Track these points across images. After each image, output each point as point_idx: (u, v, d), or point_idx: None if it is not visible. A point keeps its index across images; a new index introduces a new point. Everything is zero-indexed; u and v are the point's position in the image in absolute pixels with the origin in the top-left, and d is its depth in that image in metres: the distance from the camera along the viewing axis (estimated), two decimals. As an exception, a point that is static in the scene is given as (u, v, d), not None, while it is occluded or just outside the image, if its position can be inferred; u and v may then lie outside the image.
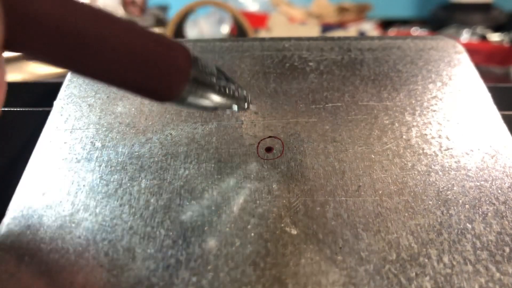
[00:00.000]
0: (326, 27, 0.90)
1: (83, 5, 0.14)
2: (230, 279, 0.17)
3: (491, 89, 0.27)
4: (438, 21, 1.04)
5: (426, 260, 0.18)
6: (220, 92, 0.18)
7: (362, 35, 0.86)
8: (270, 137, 0.23)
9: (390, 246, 0.18)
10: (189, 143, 0.23)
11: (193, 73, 0.17)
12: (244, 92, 0.20)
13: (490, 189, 0.21)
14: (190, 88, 0.17)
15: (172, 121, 0.24)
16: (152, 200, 0.20)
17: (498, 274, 0.17)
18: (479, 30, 0.87)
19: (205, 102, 0.18)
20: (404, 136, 0.24)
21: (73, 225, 0.19)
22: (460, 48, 0.30)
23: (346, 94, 0.26)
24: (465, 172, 0.22)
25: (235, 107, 0.20)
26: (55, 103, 0.25)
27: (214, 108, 0.19)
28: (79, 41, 0.13)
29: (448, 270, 0.18)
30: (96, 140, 0.23)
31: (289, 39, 0.31)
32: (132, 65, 0.15)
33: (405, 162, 0.22)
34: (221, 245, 0.18)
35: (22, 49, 0.13)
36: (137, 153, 0.22)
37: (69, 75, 0.27)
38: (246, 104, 0.20)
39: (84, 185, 0.21)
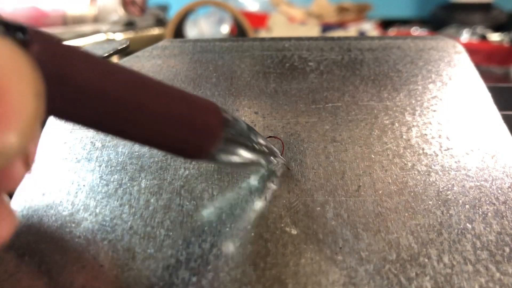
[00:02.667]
0: (326, 27, 0.90)
1: (122, 72, 0.14)
2: (230, 279, 0.17)
3: (491, 89, 0.27)
4: (438, 21, 1.04)
5: (426, 260, 0.18)
6: (250, 149, 0.19)
7: (362, 35, 0.86)
8: (270, 137, 0.23)
9: (390, 246, 0.18)
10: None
11: (224, 134, 0.17)
12: (273, 148, 0.21)
13: (490, 189, 0.21)
14: (221, 148, 0.17)
15: (172, 121, 0.24)
16: (152, 200, 0.20)
17: (498, 274, 0.17)
18: (479, 30, 0.87)
19: (234, 159, 0.18)
20: (404, 136, 0.24)
21: (73, 225, 0.19)
22: (460, 48, 0.30)
23: (346, 94, 0.26)
24: (465, 172, 0.22)
25: (262, 161, 0.20)
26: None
27: (244, 165, 0.20)
28: (119, 110, 0.14)
29: (448, 270, 0.18)
30: (96, 140, 0.23)
31: (289, 39, 0.31)
32: (167, 129, 0.15)
33: (405, 162, 0.22)
34: (221, 245, 0.18)
35: (60, 116, 0.13)
36: (137, 153, 0.22)
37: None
38: (275, 158, 0.21)
39: (84, 185, 0.21)
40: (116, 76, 0.14)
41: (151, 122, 0.15)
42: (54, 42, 0.12)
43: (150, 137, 0.15)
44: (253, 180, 0.21)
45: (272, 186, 0.21)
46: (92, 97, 0.13)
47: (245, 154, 0.19)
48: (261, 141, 0.20)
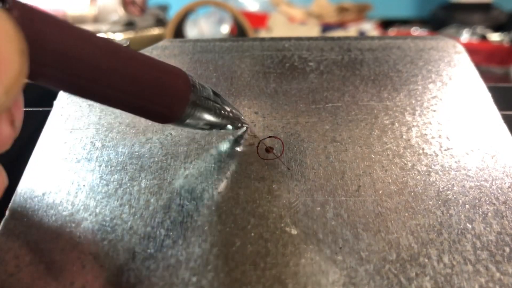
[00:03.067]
0: (326, 27, 0.90)
1: (97, 39, 0.15)
2: (230, 279, 0.17)
3: (491, 89, 0.27)
4: (438, 21, 1.04)
5: (426, 260, 0.18)
6: (216, 113, 0.20)
7: (362, 35, 0.86)
8: (270, 137, 0.23)
9: (390, 246, 0.18)
10: (189, 143, 0.23)
11: (192, 97, 0.18)
12: (238, 113, 0.22)
13: (490, 189, 0.21)
14: (190, 111, 0.19)
15: (172, 121, 0.24)
16: (152, 200, 0.20)
17: (498, 274, 0.17)
18: (479, 30, 0.87)
19: (202, 123, 0.20)
20: (404, 136, 0.24)
21: (73, 225, 0.19)
22: (460, 48, 0.30)
23: (346, 94, 0.26)
24: (465, 172, 0.22)
25: (229, 127, 0.22)
26: (55, 103, 0.25)
27: (210, 128, 0.21)
28: (93, 74, 0.15)
29: (448, 270, 0.18)
30: (96, 140, 0.23)
31: (289, 39, 0.31)
32: (139, 92, 0.16)
33: (405, 162, 0.22)
34: (221, 245, 0.18)
35: (39, 78, 0.14)
36: (137, 153, 0.22)
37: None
38: (240, 123, 0.23)
39: (84, 185, 0.21)
40: (91, 42, 0.14)
41: (123, 85, 0.16)
42: (31, 9, 0.13)
43: (123, 100, 0.16)
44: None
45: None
46: (67, 60, 0.14)
47: (211, 118, 0.20)
48: (227, 107, 0.21)
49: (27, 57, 0.13)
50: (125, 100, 0.16)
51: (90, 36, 0.15)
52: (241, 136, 0.23)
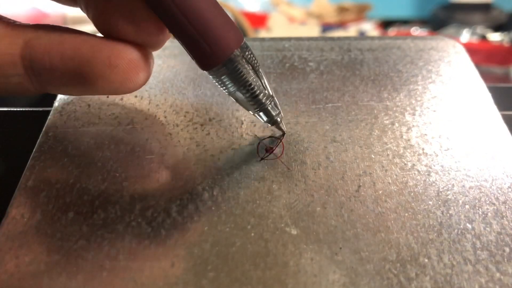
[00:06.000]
0: (326, 27, 0.90)
1: None
2: (230, 279, 0.17)
3: (491, 89, 0.27)
4: (438, 21, 1.04)
5: (426, 260, 0.18)
6: (258, 77, 0.21)
7: (362, 35, 0.86)
8: (270, 137, 0.23)
9: (390, 246, 0.18)
10: (189, 143, 0.23)
11: (243, 47, 0.20)
12: (277, 105, 0.22)
13: (490, 189, 0.21)
14: (238, 58, 0.19)
15: (172, 121, 0.24)
16: (152, 201, 0.20)
17: (498, 274, 0.17)
18: (479, 30, 0.87)
19: (244, 79, 0.20)
20: (404, 136, 0.24)
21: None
22: (460, 48, 0.30)
23: (346, 94, 0.26)
24: (465, 172, 0.22)
25: (262, 114, 0.22)
26: (55, 103, 0.25)
27: (247, 92, 0.21)
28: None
29: (448, 270, 0.18)
30: (96, 140, 0.23)
31: (289, 39, 0.31)
32: (197, 26, 0.18)
33: (405, 162, 0.22)
34: (221, 245, 0.18)
35: None
36: (137, 153, 0.22)
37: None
38: (275, 115, 0.22)
39: (84, 185, 0.21)
40: None
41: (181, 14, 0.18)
42: None
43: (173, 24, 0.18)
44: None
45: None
46: None
47: (251, 78, 0.20)
48: (269, 87, 0.21)
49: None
50: (182, 25, 0.18)
51: None
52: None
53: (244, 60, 0.20)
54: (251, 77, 0.20)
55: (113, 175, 0.21)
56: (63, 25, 0.19)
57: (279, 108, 0.22)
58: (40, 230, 0.19)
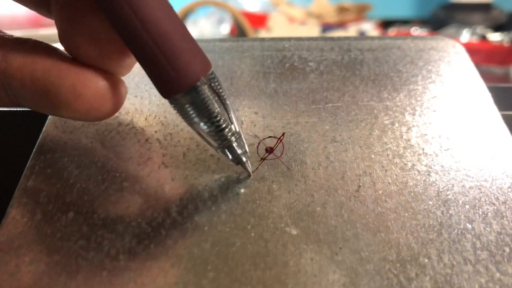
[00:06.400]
0: (326, 27, 0.90)
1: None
2: (230, 279, 0.17)
3: (491, 89, 0.27)
4: (438, 21, 1.04)
5: (426, 260, 0.18)
6: (223, 109, 0.19)
7: (362, 35, 0.86)
8: (270, 137, 0.23)
9: (390, 246, 0.18)
10: (189, 143, 0.23)
11: (209, 74, 0.18)
12: (244, 143, 0.20)
13: (490, 189, 0.21)
14: (202, 87, 0.18)
15: (172, 121, 0.24)
16: (152, 201, 0.20)
17: (498, 274, 0.17)
18: (479, 30, 0.87)
19: (209, 109, 0.19)
20: (404, 136, 0.24)
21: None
22: (460, 48, 0.30)
23: (346, 94, 0.26)
24: (465, 172, 0.22)
25: (228, 135, 0.20)
26: (55, 103, 0.25)
27: (206, 123, 0.19)
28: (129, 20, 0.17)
29: (448, 270, 0.18)
30: (96, 140, 0.23)
31: (289, 39, 0.31)
32: (165, 35, 0.17)
33: (405, 162, 0.22)
34: (221, 245, 0.18)
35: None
36: (137, 153, 0.22)
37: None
38: (234, 157, 0.20)
39: (84, 185, 0.21)
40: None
41: (147, 36, 0.17)
42: None
43: (137, 46, 0.17)
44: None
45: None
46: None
47: (216, 110, 0.19)
48: (236, 122, 0.20)
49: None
50: (146, 46, 0.17)
51: None
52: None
53: (210, 90, 0.18)
54: (216, 108, 0.19)
55: (113, 175, 0.21)
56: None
57: (246, 147, 0.21)
58: (40, 230, 0.19)
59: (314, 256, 0.18)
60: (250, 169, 0.21)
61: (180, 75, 0.18)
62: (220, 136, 0.19)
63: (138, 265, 0.18)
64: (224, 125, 0.19)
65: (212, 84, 0.18)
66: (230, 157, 0.20)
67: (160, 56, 0.17)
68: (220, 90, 0.19)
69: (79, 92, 0.18)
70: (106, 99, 0.19)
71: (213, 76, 0.19)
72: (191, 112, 0.19)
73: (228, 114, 0.19)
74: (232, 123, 0.19)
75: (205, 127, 0.19)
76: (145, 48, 0.17)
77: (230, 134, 0.19)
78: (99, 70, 0.19)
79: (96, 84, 0.18)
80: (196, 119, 0.19)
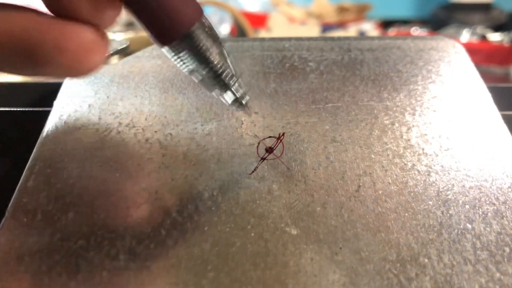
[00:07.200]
0: (326, 27, 0.90)
1: None
2: (230, 279, 0.17)
3: (491, 89, 0.27)
4: (438, 21, 1.04)
5: (426, 260, 0.18)
6: (219, 52, 0.19)
7: (362, 35, 0.86)
8: (270, 137, 0.23)
9: (390, 246, 0.18)
10: (189, 143, 0.23)
11: (203, 18, 0.18)
12: (238, 84, 0.20)
13: (490, 189, 0.21)
14: (196, 29, 0.18)
15: (172, 121, 0.24)
16: (152, 200, 0.20)
17: (498, 274, 0.17)
18: (479, 30, 0.87)
19: (203, 55, 0.19)
20: (404, 136, 0.24)
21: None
22: (460, 48, 0.30)
23: (346, 94, 0.26)
24: (465, 172, 0.22)
25: (227, 74, 0.20)
26: (55, 103, 0.25)
27: (203, 68, 0.19)
28: None
29: (448, 270, 0.18)
30: (96, 140, 0.23)
31: (289, 39, 0.31)
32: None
33: (405, 162, 0.22)
34: (221, 245, 0.18)
35: None
36: (137, 153, 0.22)
37: (69, 75, 0.27)
38: (233, 94, 0.20)
39: (83, 185, 0.21)
40: None
41: None
42: None
43: None
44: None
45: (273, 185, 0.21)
46: None
47: (213, 54, 0.19)
48: (231, 66, 0.20)
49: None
50: None
51: None
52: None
53: (204, 34, 0.18)
54: (212, 53, 0.19)
55: (113, 175, 0.21)
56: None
57: (244, 88, 0.21)
58: (40, 230, 0.19)
59: (314, 256, 0.18)
60: (250, 110, 0.22)
61: (174, 23, 0.18)
62: (218, 80, 0.19)
63: (138, 265, 0.18)
64: (222, 69, 0.19)
65: (206, 29, 0.18)
66: (230, 101, 0.20)
67: (154, 5, 0.17)
68: (215, 34, 0.19)
69: (63, 46, 0.17)
70: (93, 52, 0.18)
71: (205, 20, 0.19)
72: (187, 59, 0.19)
73: (224, 58, 0.19)
74: (228, 67, 0.20)
75: (204, 72, 0.19)
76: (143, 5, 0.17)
77: (228, 77, 0.20)
78: (82, 22, 0.18)
79: (80, 36, 0.17)
80: (192, 66, 0.19)
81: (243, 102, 0.21)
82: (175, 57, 0.19)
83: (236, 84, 0.20)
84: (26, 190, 0.20)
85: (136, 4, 0.18)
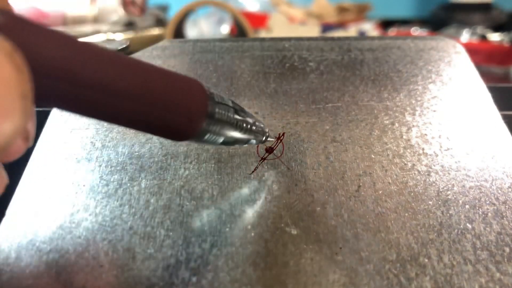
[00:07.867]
0: (326, 27, 0.90)
1: (90, 49, 0.13)
2: (230, 279, 0.17)
3: (491, 89, 0.27)
4: (438, 21, 1.04)
5: (426, 260, 0.18)
6: (237, 127, 0.18)
7: (362, 35, 0.86)
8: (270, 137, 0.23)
9: (390, 246, 0.18)
10: (189, 143, 0.23)
11: (210, 107, 0.16)
12: (262, 125, 0.20)
13: (490, 189, 0.21)
14: (209, 123, 0.17)
15: (172, 121, 0.24)
16: (152, 200, 0.20)
17: (498, 274, 0.17)
18: (479, 30, 0.87)
19: (222, 138, 0.18)
20: (404, 136, 0.24)
21: (73, 225, 0.19)
22: (460, 48, 0.30)
23: (346, 94, 0.26)
24: (465, 172, 0.22)
25: (253, 141, 0.20)
26: (55, 103, 0.25)
27: (232, 143, 0.19)
28: (87, 91, 0.13)
29: (448, 270, 0.18)
30: (96, 140, 0.23)
31: (289, 39, 0.31)
32: (145, 107, 0.14)
33: (405, 162, 0.22)
34: (221, 245, 0.18)
35: (39, 101, 0.13)
36: (137, 153, 0.22)
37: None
38: (264, 137, 0.21)
39: (84, 185, 0.21)
40: (83, 52, 0.12)
41: (124, 100, 0.13)
42: (23, 21, 0.11)
43: (134, 116, 0.14)
44: (254, 181, 0.21)
45: (272, 186, 0.21)
46: (69, 71, 0.12)
47: (232, 133, 0.18)
48: (250, 119, 0.19)
49: (32, 99, 0.11)
50: (137, 116, 0.14)
51: (88, 44, 0.13)
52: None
53: (219, 112, 0.17)
54: (235, 115, 0.18)
55: (113, 175, 0.21)
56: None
57: (263, 123, 0.21)
58: (40, 230, 0.19)
59: (314, 256, 0.18)
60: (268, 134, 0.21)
61: (189, 117, 0.16)
62: (251, 132, 0.19)
63: (138, 265, 0.18)
64: (251, 121, 0.19)
65: (217, 109, 0.17)
66: (262, 139, 0.21)
67: (159, 123, 0.15)
68: (223, 98, 0.18)
69: None
70: None
71: (210, 91, 0.17)
72: (215, 137, 0.18)
73: (244, 113, 0.19)
74: (250, 116, 0.19)
75: (235, 136, 0.18)
76: (143, 113, 0.15)
77: (255, 126, 0.19)
78: None
79: None
80: (222, 139, 0.18)
81: (267, 134, 0.21)
82: (201, 142, 0.18)
83: (267, 131, 0.21)
84: (26, 190, 0.20)
85: (142, 118, 0.15)
